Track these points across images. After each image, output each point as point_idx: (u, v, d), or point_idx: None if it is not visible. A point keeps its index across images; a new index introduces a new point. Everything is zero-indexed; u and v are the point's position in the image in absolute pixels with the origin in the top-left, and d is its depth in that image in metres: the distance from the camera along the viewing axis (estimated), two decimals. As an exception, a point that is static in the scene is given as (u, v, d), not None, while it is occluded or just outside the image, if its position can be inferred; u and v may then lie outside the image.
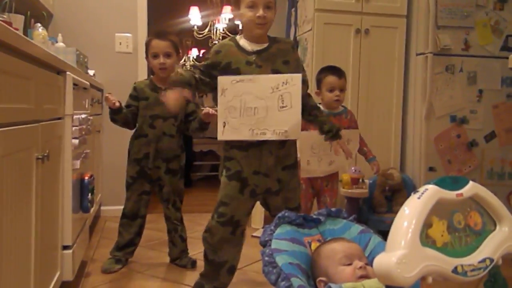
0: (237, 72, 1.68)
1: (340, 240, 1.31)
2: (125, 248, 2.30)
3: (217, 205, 1.77)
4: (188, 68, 1.84)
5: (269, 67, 1.69)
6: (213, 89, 1.73)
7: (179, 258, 2.33)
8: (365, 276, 1.17)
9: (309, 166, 2.22)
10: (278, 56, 1.72)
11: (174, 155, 2.26)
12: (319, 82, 2.35)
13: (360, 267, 1.19)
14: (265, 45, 1.72)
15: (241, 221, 1.77)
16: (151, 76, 2.34)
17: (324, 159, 2.22)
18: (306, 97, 1.76)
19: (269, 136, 1.64)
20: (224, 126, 1.66)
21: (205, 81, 1.73)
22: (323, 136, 1.83)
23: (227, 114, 1.66)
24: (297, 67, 1.75)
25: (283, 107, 1.63)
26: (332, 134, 1.81)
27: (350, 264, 1.22)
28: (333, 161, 2.24)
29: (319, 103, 2.36)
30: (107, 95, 2.13)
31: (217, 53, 1.73)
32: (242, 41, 1.74)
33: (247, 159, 1.71)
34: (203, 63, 1.78)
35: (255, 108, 1.64)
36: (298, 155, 1.90)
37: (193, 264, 2.30)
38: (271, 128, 1.64)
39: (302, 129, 1.75)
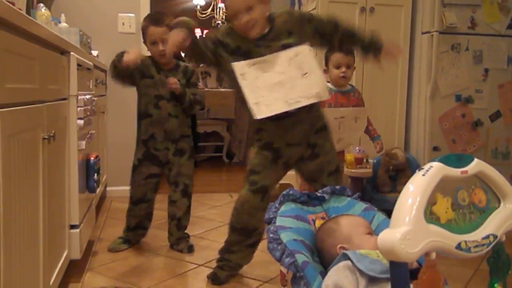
0: (247, 55, 1.69)
1: (353, 215, 1.35)
2: (135, 230, 2.31)
3: (247, 174, 1.81)
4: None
5: (278, 44, 1.69)
6: (214, 64, 1.76)
7: (175, 244, 2.30)
8: None
9: None
10: (281, 31, 1.71)
11: (182, 135, 2.24)
12: (326, 59, 2.35)
13: None
14: (266, 29, 1.71)
15: (270, 188, 1.81)
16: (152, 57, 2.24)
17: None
18: (327, 29, 1.75)
19: (304, 102, 1.66)
20: (257, 105, 1.67)
21: (209, 46, 1.72)
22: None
23: (255, 95, 1.67)
24: (301, 30, 1.72)
25: (304, 74, 1.67)
26: (376, 47, 1.75)
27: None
28: (340, 139, 2.23)
29: (328, 81, 2.35)
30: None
31: (227, 34, 1.73)
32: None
33: (279, 130, 1.74)
34: (212, 36, 1.75)
35: (280, 81, 1.66)
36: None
37: (189, 249, 2.26)
38: (303, 94, 1.66)
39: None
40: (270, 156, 1.77)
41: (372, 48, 1.76)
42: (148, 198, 2.28)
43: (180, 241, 2.30)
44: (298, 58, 1.67)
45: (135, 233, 2.32)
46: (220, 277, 1.90)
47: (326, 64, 2.35)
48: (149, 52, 2.24)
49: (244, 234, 1.85)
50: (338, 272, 1.10)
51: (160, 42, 2.13)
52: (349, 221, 1.29)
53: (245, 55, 1.69)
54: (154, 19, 2.19)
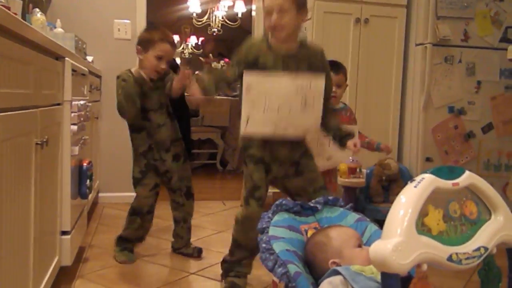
0: (263, 67, 1.72)
1: (343, 226, 1.34)
2: (136, 241, 2.29)
3: (249, 192, 1.78)
4: (223, 68, 1.87)
5: (294, 69, 1.72)
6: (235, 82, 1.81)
7: (184, 247, 2.31)
8: None
9: None
10: (303, 60, 1.75)
11: (172, 140, 2.22)
12: None
13: None
14: (294, 51, 1.75)
15: None
16: (139, 70, 2.14)
17: (322, 155, 2.21)
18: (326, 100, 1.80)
19: (291, 133, 1.72)
20: (247, 121, 1.72)
21: (236, 79, 1.79)
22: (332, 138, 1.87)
23: (251, 109, 1.71)
24: (322, 72, 1.77)
25: (305, 107, 1.71)
26: (348, 137, 1.83)
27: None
28: (331, 156, 2.22)
29: None
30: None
31: (249, 49, 1.76)
32: (272, 41, 1.76)
33: (268, 146, 1.77)
34: (234, 60, 1.79)
35: (278, 106, 1.70)
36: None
37: (199, 252, 2.29)
38: (293, 125, 1.72)
39: None
40: (264, 169, 1.79)
41: (340, 135, 1.84)
42: (153, 209, 2.27)
43: (188, 243, 2.32)
44: (308, 90, 1.70)
45: (136, 243, 2.30)
46: (240, 285, 1.88)
47: None
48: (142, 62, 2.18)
49: (252, 251, 1.85)
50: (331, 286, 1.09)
51: (166, 60, 2.12)
52: (339, 233, 1.28)
53: (262, 67, 1.71)
54: (169, 38, 2.15)
